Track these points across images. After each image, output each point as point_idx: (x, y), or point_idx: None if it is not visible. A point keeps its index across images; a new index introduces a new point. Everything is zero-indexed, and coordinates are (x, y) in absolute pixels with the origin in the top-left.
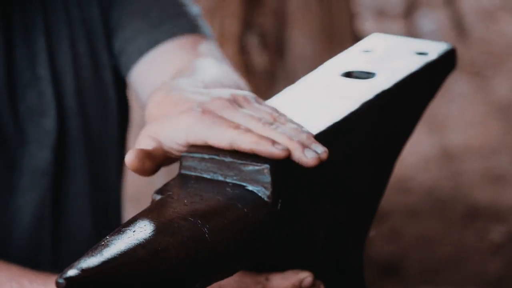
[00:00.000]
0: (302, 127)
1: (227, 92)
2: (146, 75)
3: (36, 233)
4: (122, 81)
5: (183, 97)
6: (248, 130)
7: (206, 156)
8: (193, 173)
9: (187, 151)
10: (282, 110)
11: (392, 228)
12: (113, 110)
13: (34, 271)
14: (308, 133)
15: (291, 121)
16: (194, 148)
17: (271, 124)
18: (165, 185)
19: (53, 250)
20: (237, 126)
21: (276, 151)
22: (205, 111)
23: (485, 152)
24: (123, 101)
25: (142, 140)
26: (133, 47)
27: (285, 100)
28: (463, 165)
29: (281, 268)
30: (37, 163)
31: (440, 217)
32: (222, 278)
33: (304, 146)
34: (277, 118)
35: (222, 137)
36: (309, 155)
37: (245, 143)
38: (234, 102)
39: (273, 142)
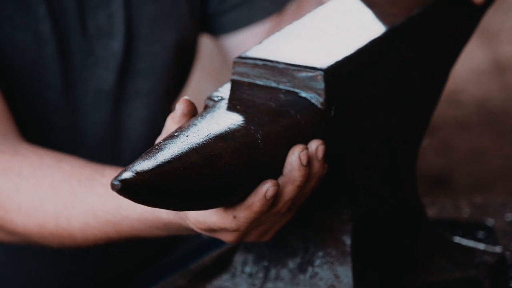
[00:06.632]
0: None
1: None
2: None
3: (97, 156)
4: (196, 17)
5: None
6: None
7: (259, 62)
8: (245, 79)
9: (239, 57)
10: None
11: (443, 140)
12: (184, 40)
13: (85, 165)
14: None
15: None
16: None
17: None
18: (218, 91)
19: None
20: None
21: None
22: None
23: None
24: (196, 36)
25: None
26: (239, 14)
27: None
28: None
29: (331, 176)
30: (101, 84)
31: (491, 130)
32: None
33: None
34: None
35: None
36: None
37: None
38: None
39: None
